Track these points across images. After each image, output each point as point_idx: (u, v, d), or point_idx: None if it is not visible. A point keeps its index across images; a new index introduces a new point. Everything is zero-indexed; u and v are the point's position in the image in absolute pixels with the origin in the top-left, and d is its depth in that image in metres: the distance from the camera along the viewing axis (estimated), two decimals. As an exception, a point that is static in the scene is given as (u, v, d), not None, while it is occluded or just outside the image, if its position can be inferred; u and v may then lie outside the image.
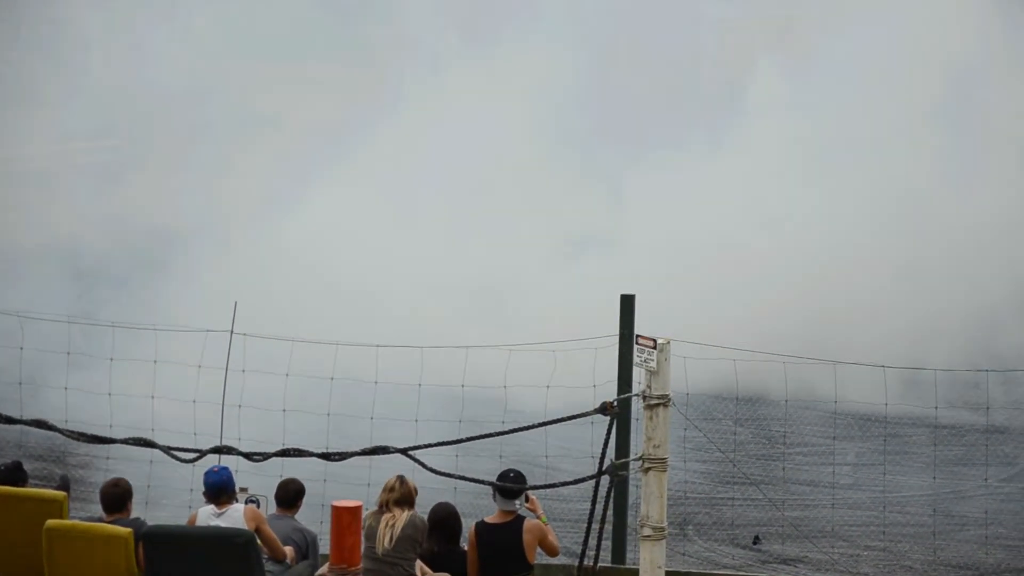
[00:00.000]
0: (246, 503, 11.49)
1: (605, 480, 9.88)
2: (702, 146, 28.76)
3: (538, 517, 10.75)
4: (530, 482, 10.92)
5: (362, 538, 10.24)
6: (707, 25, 35.64)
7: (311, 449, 8.21)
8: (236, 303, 13.95)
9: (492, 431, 9.61)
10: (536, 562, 10.68)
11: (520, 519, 10.63)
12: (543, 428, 9.67)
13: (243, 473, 11.00)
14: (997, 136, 27.94)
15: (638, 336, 10.93)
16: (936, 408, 17.81)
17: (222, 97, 31.78)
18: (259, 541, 10.55)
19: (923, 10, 28.33)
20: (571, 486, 10.11)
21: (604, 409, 10.31)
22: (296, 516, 11.52)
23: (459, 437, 9.33)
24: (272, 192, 28.22)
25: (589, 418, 10.30)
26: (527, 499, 10.72)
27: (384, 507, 10.30)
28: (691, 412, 14.75)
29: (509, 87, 29.64)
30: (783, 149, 28.28)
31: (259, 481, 11.98)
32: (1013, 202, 26.80)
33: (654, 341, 10.68)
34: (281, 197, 27.87)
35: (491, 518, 10.67)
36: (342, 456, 8.25)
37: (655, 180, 28.04)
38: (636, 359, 10.93)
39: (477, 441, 9.28)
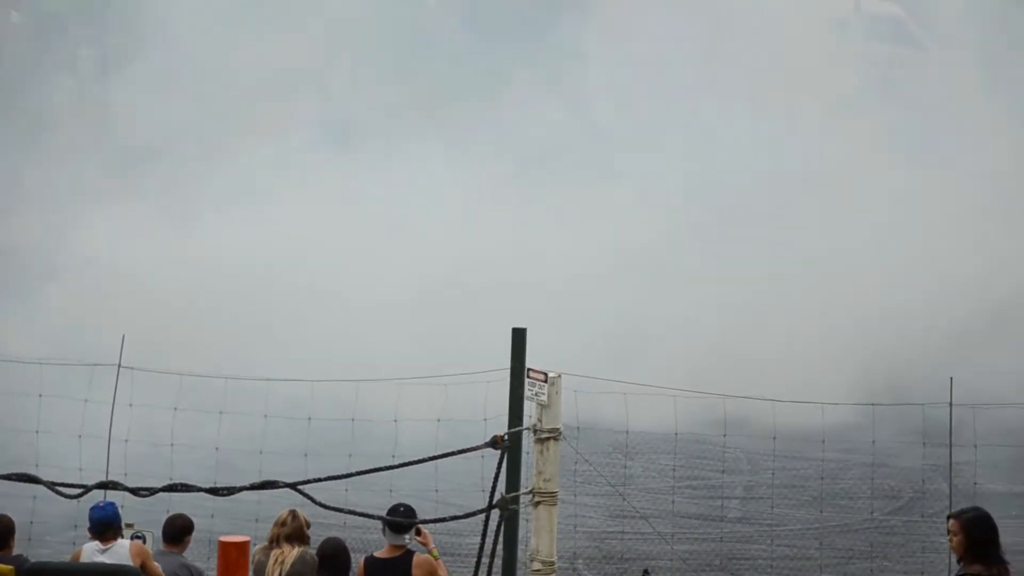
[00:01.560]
0: (132, 539, 11.34)
1: (495, 514, 9.87)
2: (589, 183, 28.88)
3: (429, 551, 10.70)
4: (420, 516, 10.87)
5: (250, 574, 10.13)
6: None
7: (199, 484, 8.13)
8: (124, 336, 13.80)
9: (382, 465, 9.57)
10: (426, 597, 10.62)
11: (410, 554, 10.57)
12: (433, 462, 9.64)
13: (129, 508, 10.87)
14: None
15: (529, 370, 10.94)
16: (824, 442, 17.97)
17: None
18: (145, 577, 10.41)
19: None
20: (461, 520, 10.08)
21: (495, 443, 10.31)
22: (183, 552, 11.38)
23: (349, 471, 9.28)
24: (156, 224, 27.98)
25: (480, 452, 10.28)
26: (418, 533, 10.67)
27: (275, 542, 10.20)
28: (581, 446, 14.74)
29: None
30: (660, 180, 28.47)
31: (146, 517, 11.84)
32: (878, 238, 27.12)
33: (545, 375, 10.70)
34: (165, 230, 27.63)
35: (380, 552, 10.60)
36: (230, 491, 8.18)
37: (544, 213, 28.08)
38: (527, 393, 10.94)
39: (367, 475, 9.23)
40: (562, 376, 11.02)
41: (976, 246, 26.86)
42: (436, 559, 10.70)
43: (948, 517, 9.74)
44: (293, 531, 10.17)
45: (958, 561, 9.41)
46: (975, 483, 18.66)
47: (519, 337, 12.96)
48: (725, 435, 16.47)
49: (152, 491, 7.84)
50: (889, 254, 26.94)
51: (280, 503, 10.51)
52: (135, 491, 7.89)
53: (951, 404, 13.94)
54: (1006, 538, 18.04)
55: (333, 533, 10.95)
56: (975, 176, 27.94)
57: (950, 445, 14.49)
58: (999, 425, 17.93)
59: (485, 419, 13.21)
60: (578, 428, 14.71)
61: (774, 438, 16.54)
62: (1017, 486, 19.81)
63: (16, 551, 10.82)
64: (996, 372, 22.94)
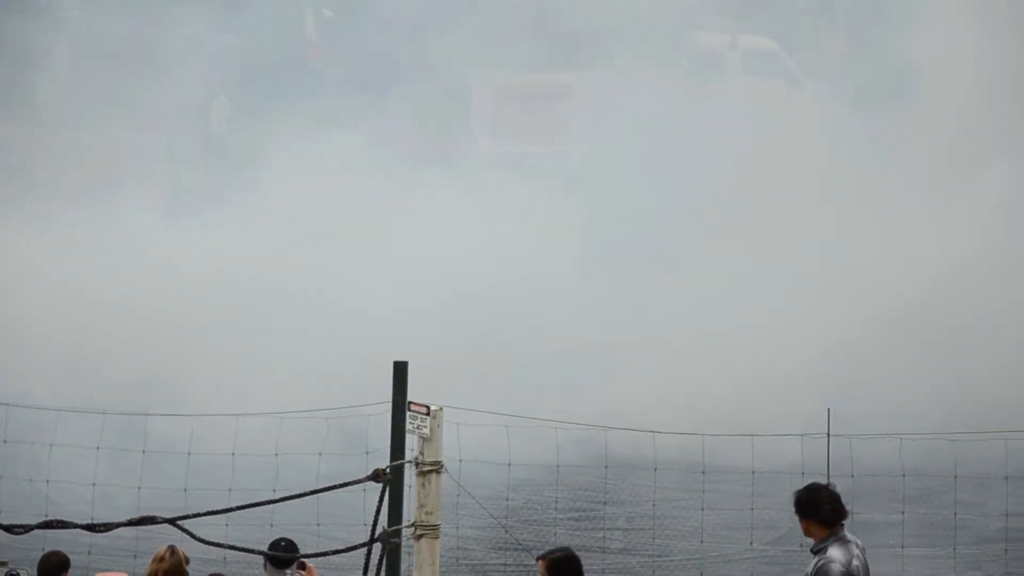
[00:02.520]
0: (7, 577, 11.18)
1: (378, 548, 9.85)
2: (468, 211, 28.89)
3: (314, 587, 10.66)
4: (302, 550, 10.82)
5: (128, 610, 10.03)
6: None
7: (75, 520, 8.03)
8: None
9: (263, 499, 9.52)
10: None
11: (290, 589, 10.52)
12: (315, 496, 9.60)
13: (4, 546, 10.71)
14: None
15: (411, 403, 10.95)
16: (703, 472, 18.11)
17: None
18: (20, 615, 10.25)
19: None
20: (344, 554, 10.04)
21: (376, 476, 10.30)
22: (60, 589, 11.22)
23: (229, 506, 9.21)
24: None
25: (362, 485, 10.25)
26: (303, 567, 10.62)
27: (153, 579, 10.11)
28: (464, 478, 14.74)
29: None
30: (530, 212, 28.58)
31: (20, 554, 11.66)
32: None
33: (427, 408, 10.71)
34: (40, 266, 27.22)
35: (258, 588, 10.54)
36: (107, 527, 8.09)
37: (422, 246, 28.06)
38: (409, 426, 10.94)
39: (248, 509, 9.17)
40: (444, 409, 11.03)
41: (854, 275, 27.23)
42: (319, 594, 10.65)
43: (537, 559, 10.12)
44: (172, 567, 10.07)
45: None
46: (852, 512, 18.89)
47: (400, 370, 12.95)
48: (607, 466, 16.54)
49: (27, 528, 7.73)
50: (764, 291, 27.24)
51: (159, 539, 10.40)
52: (9, 528, 7.78)
53: (828, 435, 14.10)
54: (881, 567, 18.31)
55: (213, 569, 10.87)
56: (850, 203, 28.32)
57: (828, 475, 14.65)
58: (876, 455, 18.18)
59: (367, 452, 13.17)
60: (460, 461, 14.71)
61: (655, 469, 16.65)
62: (893, 515, 20.05)
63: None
64: (874, 402, 23.26)
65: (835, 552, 10.52)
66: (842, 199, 28.21)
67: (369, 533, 9.77)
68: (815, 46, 34.00)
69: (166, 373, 23.86)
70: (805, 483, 11.01)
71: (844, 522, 10.61)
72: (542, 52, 33.54)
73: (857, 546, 10.57)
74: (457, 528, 17.25)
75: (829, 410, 14.01)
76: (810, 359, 25.41)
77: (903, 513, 19.56)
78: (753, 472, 19.14)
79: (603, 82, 33.20)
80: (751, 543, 18.81)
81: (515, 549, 16.97)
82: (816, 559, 10.53)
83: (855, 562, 10.52)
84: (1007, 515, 19.67)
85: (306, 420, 15.65)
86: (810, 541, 10.81)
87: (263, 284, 26.53)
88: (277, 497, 9.83)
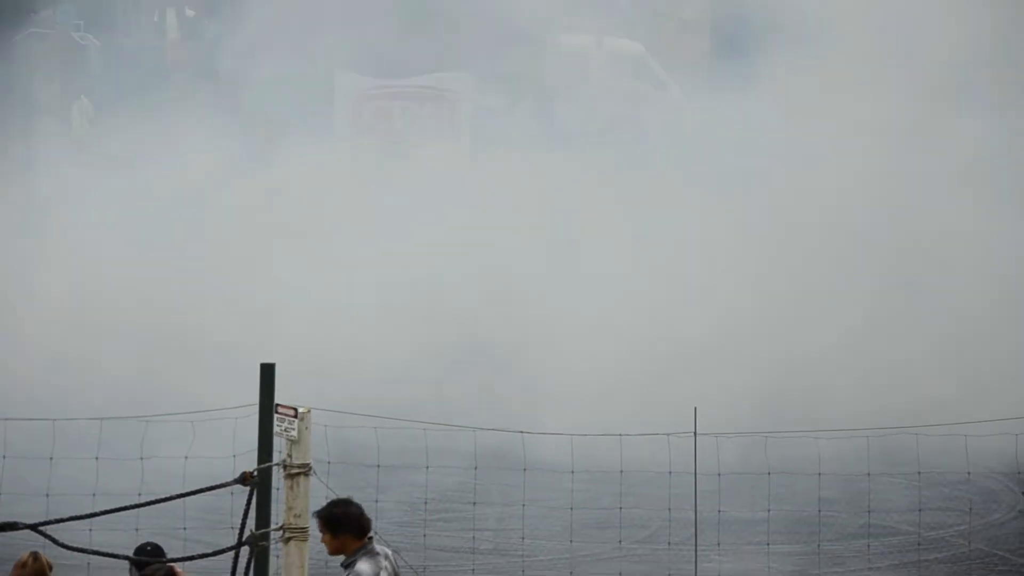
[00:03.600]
0: None
1: (245, 551, 9.76)
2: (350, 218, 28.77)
3: (184, 592, 10.54)
4: (169, 555, 10.68)
5: (-10, 618, 9.85)
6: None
7: (-65, 527, 7.86)
8: None
9: (128, 504, 9.38)
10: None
11: (156, 594, 10.38)
12: (181, 499, 9.49)
13: None
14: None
15: (278, 405, 10.87)
16: (572, 472, 18.17)
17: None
18: None
19: None
20: (211, 558, 9.94)
21: (244, 479, 10.21)
22: (-84, 599, 10.99)
23: (93, 511, 9.08)
24: None
25: (229, 489, 10.15)
26: (174, 573, 10.50)
27: (14, 586, 9.94)
28: (333, 481, 14.66)
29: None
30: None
31: None
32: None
33: (295, 410, 10.64)
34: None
35: (125, 593, 10.39)
36: (-33, 534, 7.93)
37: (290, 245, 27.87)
38: (276, 428, 10.87)
39: (112, 514, 9.04)
40: (312, 411, 10.97)
41: (720, 271, 27.48)
42: (188, 599, 10.53)
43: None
44: (34, 573, 9.91)
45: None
46: (719, 510, 19.07)
47: (267, 373, 12.85)
48: (476, 467, 16.53)
49: None
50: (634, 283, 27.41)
51: (21, 545, 10.23)
52: None
53: (695, 433, 14.21)
54: (747, 564, 18.50)
55: (78, 575, 10.71)
56: (714, 202, 28.59)
57: (695, 474, 14.77)
58: (742, 453, 18.36)
59: (234, 455, 13.05)
60: (329, 463, 14.63)
61: (524, 469, 16.67)
62: (759, 512, 20.26)
63: None
64: (736, 399, 23.49)
65: (364, 565, 10.90)
66: (707, 200, 28.47)
67: (237, 537, 9.67)
68: (680, 49, 34.28)
69: (27, 375, 23.51)
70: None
71: (371, 535, 10.96)
72: (409, 54, 33.46)
73: (386, 556, 10.98)
74: (326, 531, 17.14)
75: (696, 409, 14.11)
76: (677, 357, 25.62)
77: (768, 511, 19.76)
78: (621, 471, 19.24)
79: (467, 84, 33.23)
80: (620, 542, 18.90)
81: (384, 551, 16.89)
82: (346, 573, 10.88)
83: (383, 574, 10.91)
84: (869, 512, 19.97)
85: (172, 423, 15.47)
86: None
87: (138, 286, 26.25)
88: (142, 501, 9.70)
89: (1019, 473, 21.19)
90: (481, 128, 33.50)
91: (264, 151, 29.85)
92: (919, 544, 19.12)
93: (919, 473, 18.60)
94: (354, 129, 33.54)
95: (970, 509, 20.70)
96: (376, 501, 16.90)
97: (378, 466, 15.70)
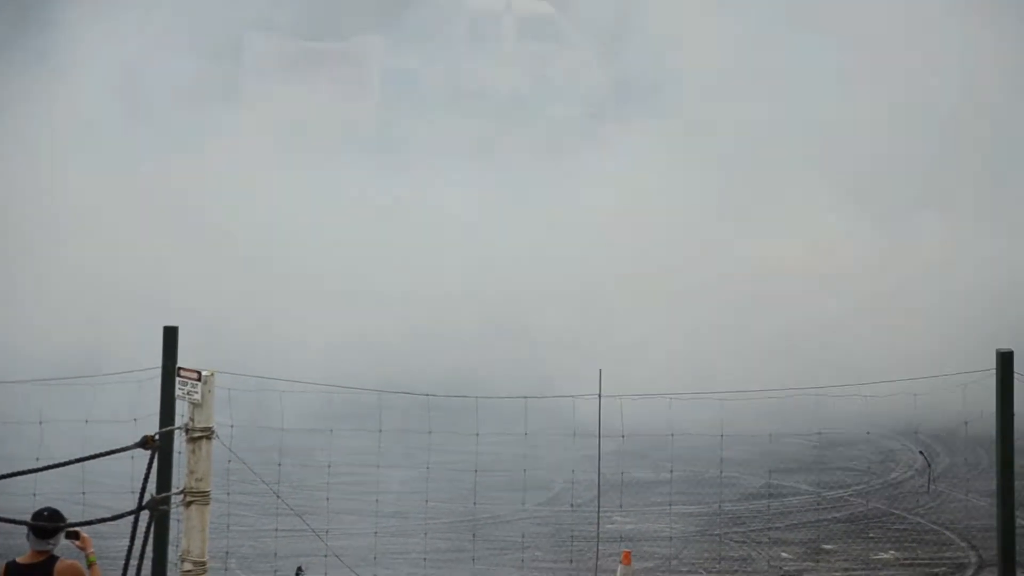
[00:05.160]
0: None
1: (146, 515, 9.73)
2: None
3: (87, 556, 10.46)
4: (68, 520, 10.62)
5: None
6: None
7: None
8: None
9: (25, 468, 9.32)
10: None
11: (53, 559, 10.32)
12: (81, 464, 9.44)
13: None
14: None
15: (180, 368, 10.82)
16: (477, 435, 18.22)
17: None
18: None
19: None
20: (111, 522, 9.90)
21: (145, 443, 10.16)
22: None
23: (-10, 476, 9.02)
24: None
25: (130, 453, 10.10)
26: (76, 536, 10.42)
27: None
28: (236, 444, 14.64)
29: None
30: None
31: None
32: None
33: (198, 373, 10.60)
34: None
35: (23, 558, 10.32)
36: None
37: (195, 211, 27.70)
38: (179, 392, 10.82)
39: (9, 479, 8.99)
40: (216, 374, 10.93)
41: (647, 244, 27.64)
42: (92, 564, 10.47)
43: None
44: None
45: None
46: (622, 472, 19.23)
47: (171, 336, 12.81)
48: (381, 430, 16.55)
49: None
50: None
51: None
52: None
53: (600, 396, 14.30)
54: (649, 524, 18.56)
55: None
56: (631, 170, 28.70)
57: (599, 436, 14.87)
58: (645, 415, 18.46)
59: (135, 419, 12.98)
60: (232, 426, 14.58)
61: (430, 432, 16.71)
62: (662, 473, 20.45)
63: None
64: (645, 363, 23.63)
65: None
66: (616, 157, 28.60)
67: (137, 501, 9.64)
68: (588, 9, 34.30)
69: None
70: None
71: None
72: (319, 16, 33.29)
73: None
74: (228, 494, 17.12)
75: (600, 371, 14.20)
76: (582, 321, 25.74)
77: (671, 472, 19.95)
78: (526, 434, 19.33)
79: (378, 47, 33.08)
80: (523, 504, 19.01)
81: (287, 514, 16.90)
82: None
83: None
84: (770, 472, 20.21)
85: (72, 387, 15.36)
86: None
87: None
88: (40, 466, 9.64)
89: (916, 433, 21.52)
90: (391, 89, 33.41)
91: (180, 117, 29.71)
92: (819, 504, 19.36)
93: (819, 434, 18.83)
94: (264, 93, 33.34)
95: (869, 469, 20.99)
96: (279, 464, 16.90)
97: (282, 429, 15.67)
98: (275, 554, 16.78)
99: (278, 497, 15.87)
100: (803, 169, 28.52)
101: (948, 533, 18.14)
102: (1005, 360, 12.58)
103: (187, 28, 30.89)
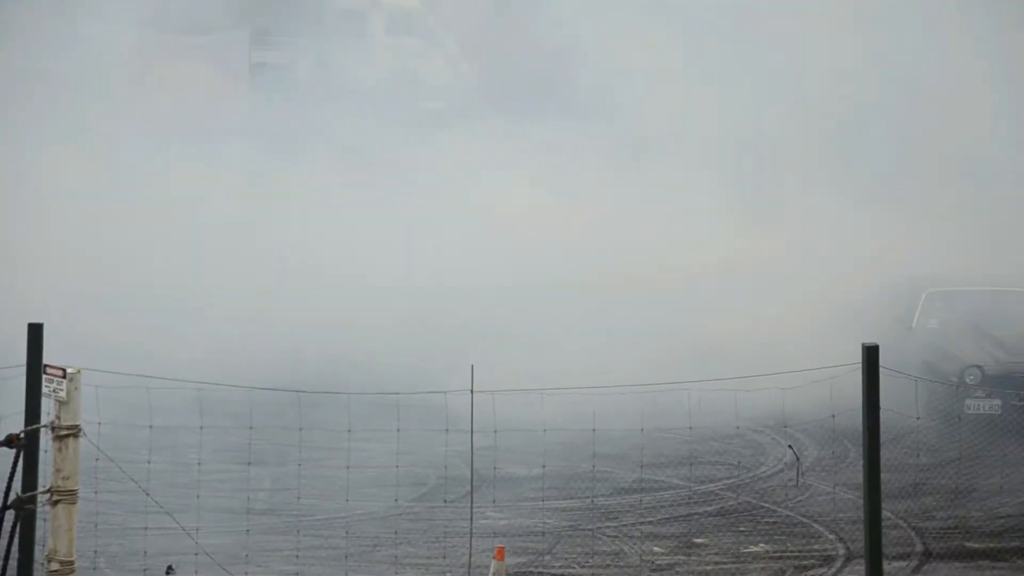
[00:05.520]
0: None
1: (11, 514, 9.59)
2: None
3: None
4: (-70, 520, 10.44)
5: None
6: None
7: None
8: None
9: None
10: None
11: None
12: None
13: None
14: None
15: (46, 366, 10.67)
16: (349, 432, 18.15)
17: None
18: None
19: None
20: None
21: (9, 442, 10.02)
22: None
23: None
24: None
25: (-7, 451, 9.95)
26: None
27: None
28: (104, 442, 14.47)
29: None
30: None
31: None
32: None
33: (63, 371, 10.46)
34: None
35: None
36: None
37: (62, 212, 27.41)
38: (45, 389, 10.67)
39: None
40: (82, 372, 10.79)
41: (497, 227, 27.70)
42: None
43: None
44: None
45: None
46: (495, 467, 19.25)
47: (35, 333, 12.62)
48: (251, 427, 16.43)
49: None
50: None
51: None
52: None
53: (472, 391, 14.31)
54: (522, 520, 18.64)
55: None
56: (510, 166, 28.81)
57: (471, 431, 14.88)
58: (516, 411, 18.50)
59: (0, 417, 12.78)
60: (100, 424, 14.41)
61: (300, 429, 16.61)
62: (535, 469, 20.51)
63: None
64: (515, 360, 23.68)
65: None
66: (487, 151, 28.68)
67: (2, 500, 9.49)
68: (457, 6, 34.37)
69: None
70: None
71: None
72: (189, 10, 33.04)
73: None
74: (96, 493, 16.92)
75: (472, 367, 14.21)
76: (458, 316, 25.76)
77: (544, 467, 20.01)
78: (398, 430, 19.29)
79: (245, 41, 32.90)
80: (396, 500, 18.98)
81: (157, 512, 16.72)
82: None
83: None
84: (642, 466, 20.34)
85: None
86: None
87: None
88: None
89: (785, 427, 21.76)
90: (261, 84, 33.25)
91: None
92: (690, 498, 19.53)
93: (690, 428, 18.97)
94: (136, 86, 33.05)
95: (739, 463, 21.20)
96: (148, 463, 16.73)
97: (150, 427, 15.51)
98: (145, 553, 16.60)
99: (147, 495, 15.69)
100: (690, 168, 28.82)
101: (816, 526, 18.37)
102: (871, 354, 12.76)
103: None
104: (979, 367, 22.59)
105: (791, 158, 28.51)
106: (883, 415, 12.84)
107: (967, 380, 22.36)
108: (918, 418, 19.90)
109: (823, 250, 26.92)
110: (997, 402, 22.17)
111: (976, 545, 17.54)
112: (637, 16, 29.81)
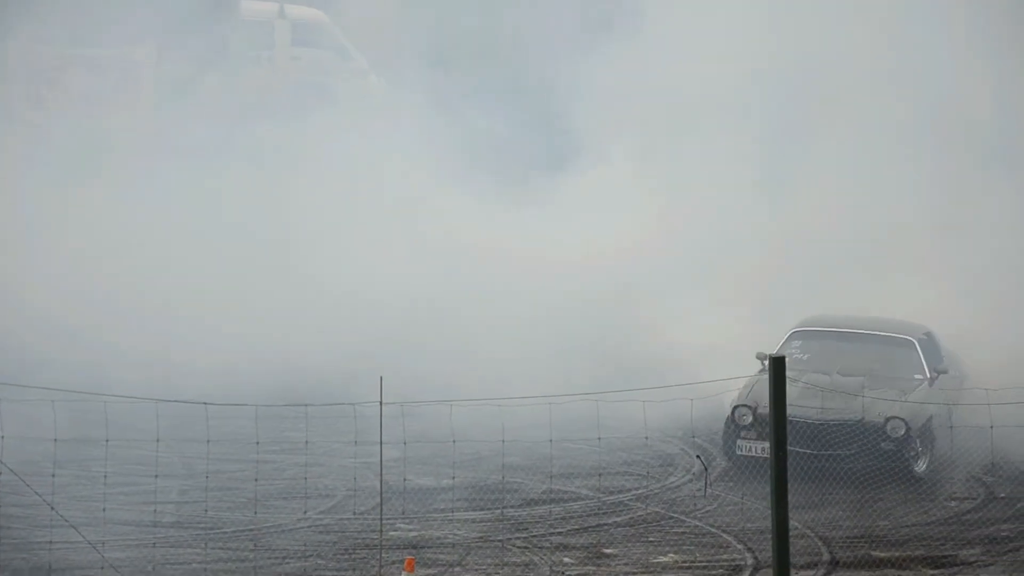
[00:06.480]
0: None
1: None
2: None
3: None
4: None
5: None
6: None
7: None
8: None
9: None
10: None
11: None
12: None
13: None
14: None
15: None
16: (258, 443, 18.07)
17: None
18: None
19: None
20: None
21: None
22: None
23: None
24: None
25: None
26: None
27: None
28: (7, 456, 14.33)
29: None
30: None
31: None
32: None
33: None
34: None
35: None
36: None
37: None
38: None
39: None
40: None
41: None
42: None
43: None
44: None
45: None
46: (405, 479, 19.21)
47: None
48: (159, 440, 16.29)
49: None
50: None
51: None
52: None
53: (381, 403, 14.27)
54: (432, 531, 18.65)
55: None
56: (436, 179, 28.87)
57: (380, 443, 14.84)
58: (426, 423, 18.51)
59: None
60: (2, 437, 14.27)
61: (208, 441, 16.50)
62: (444, 480, 20.49)
63: None
64: (421, 374, 23.67)
65: None
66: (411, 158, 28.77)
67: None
68: (365, 19, 34.38)
69: None
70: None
71: None
72: (93, 24, 32.81)
73: None
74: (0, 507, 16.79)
75: (381, 378, 14.17)
76: (367, 328, 25.71)
77: (453, 478, 19.99)
78: (307, 442, 19.22)
79: (150, 54, 32.71)
80: (305, 512, 18.89)
81: (62, 526, 16.57)
82: None
83: None
84: (551, 476, 20.37)
85: None
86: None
87: None
88: None
89: (694, 437, 21.88)
90: (167, 97, 33.06)
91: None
92: (600, 508, 19.58)
93: (599, 439, 19.04)
94: (33, 101, 32.77)
95: (648, 473, 21.27)
96: (53, 475, 16.56)
97: (55, 440, 15.34)
98: (50, 567, 16.42)
99: (52, 508, 15.54)
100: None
101: (725, 536, 18.47)
102: (777, 364, 12.85)
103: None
104: (748, 407, 20.75)
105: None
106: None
107: (736, 420, 20.73)
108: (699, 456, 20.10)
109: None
110: (765, 444, 20.22)
111: (882, 554, 17.70)
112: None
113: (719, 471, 21.36)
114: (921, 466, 20.44)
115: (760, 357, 21.31)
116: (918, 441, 20.48)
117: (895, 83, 27.30)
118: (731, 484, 20.56)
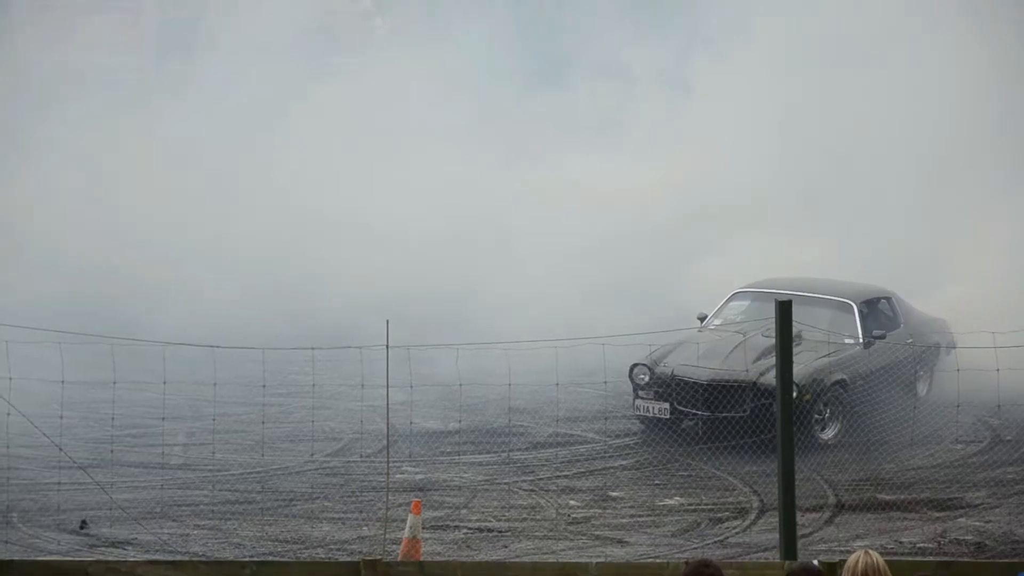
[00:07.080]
0: None
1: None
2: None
3: None
4: None
5: None
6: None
7: None
8: None
9: None
10: None
11: None
12: None
13: None
14: None
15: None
16: (264, 386, 18.09)
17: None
18: None
19: None
20: None
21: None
22: None
23: None
24: None
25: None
26: None
27: None
28: (15, 397, 14.38)
29: None
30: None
31: None
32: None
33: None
34: None
35: None
36: None
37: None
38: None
39: None
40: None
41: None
42: None
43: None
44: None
45: None
46: (411, 422, 19.25)
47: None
48: (165, 382, 16.31)
49: None
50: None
51: None
52: None
53: (387, 347, 14.27)
54: (439, 474, 18.70)
55: None
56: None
57: (387, 387, 14.85)
58: (432, 367, 18.53)
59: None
60: (11, 379, 14.32)
61: (215, 384, 16.53)
62: (451, 424, 20.55)
63: None
64: (432, 317, 23.70)
65: None
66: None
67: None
68: None
69: None
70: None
71: None
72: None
73: None
74: (8, 447, 16.83)
75: (388, 322, 14.16)
76: (376, 273, 25.73)
77: (460, 421, 20.05)
78: (313, 385, 19.25)
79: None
80: (312, 455, 18.94)
81: (70, 467, 16.63)
82: None
83: None
84: (557, 420, 20.41)
85: None
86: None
87: None
88: None
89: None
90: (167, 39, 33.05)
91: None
92: (606, 452, 19.60)
93: (605, 383, 19.03)
94: (35, 43, 32.70)
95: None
96: (61, 417, 16.60)
97: (63, 382, 15.37)
98: (58, 507, 16.50)
99: (60, 450, 15.58)
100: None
101: (731, 479, 18.50)
102: (784, 308, 12.84)
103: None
104: (646, 365, 19.65)
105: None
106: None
107: (633, 379, 19.65)
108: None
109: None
110: (665, 405, 19.57)
111: (888, 497, 17.74)
112: None
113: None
114: (828, 433, 19.55)
115: (700, 317, 20.80)
116: (823, 406, 19.57)
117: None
118: (737, 429, 20.58)
